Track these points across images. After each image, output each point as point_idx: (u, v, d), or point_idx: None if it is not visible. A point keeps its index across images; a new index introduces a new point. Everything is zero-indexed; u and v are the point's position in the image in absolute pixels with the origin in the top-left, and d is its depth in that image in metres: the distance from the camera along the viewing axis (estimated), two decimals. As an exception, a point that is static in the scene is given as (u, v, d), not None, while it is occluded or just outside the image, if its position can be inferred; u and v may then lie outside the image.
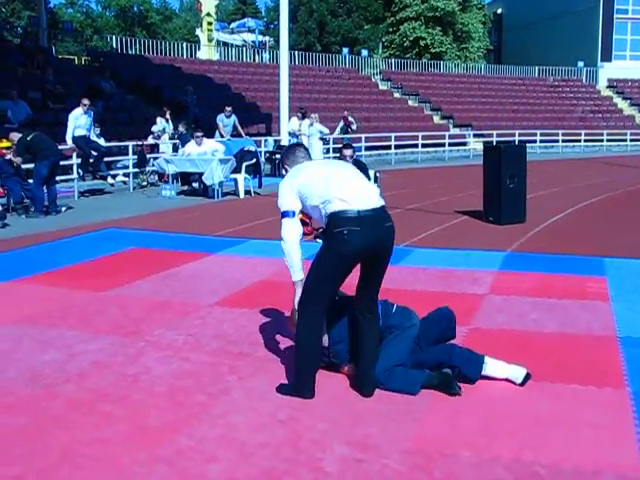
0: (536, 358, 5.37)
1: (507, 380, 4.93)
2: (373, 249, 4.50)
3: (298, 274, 4.68)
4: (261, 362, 5.41)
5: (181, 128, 19.91)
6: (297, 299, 4.68)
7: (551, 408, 4.56)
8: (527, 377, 4.92)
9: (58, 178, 15.13)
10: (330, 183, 4.58)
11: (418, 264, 9.02)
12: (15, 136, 13.97)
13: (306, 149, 5.14)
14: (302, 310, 4.64)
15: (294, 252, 4.63)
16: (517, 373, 4.93)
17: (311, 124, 21.60)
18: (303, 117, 22.26)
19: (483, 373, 4.93)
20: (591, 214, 13.73)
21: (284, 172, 5.05)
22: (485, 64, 50.56)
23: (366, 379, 4.79)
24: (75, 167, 16.70)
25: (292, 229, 4.64)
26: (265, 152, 22.73)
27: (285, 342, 5.78)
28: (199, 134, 17.43)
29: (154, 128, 21.01)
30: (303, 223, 10.80)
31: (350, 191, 4.52)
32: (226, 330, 6.20)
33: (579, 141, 37.60)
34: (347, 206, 4.45)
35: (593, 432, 4.21)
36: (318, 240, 4.35)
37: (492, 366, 4.96)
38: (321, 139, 22.05)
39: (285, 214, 4.67)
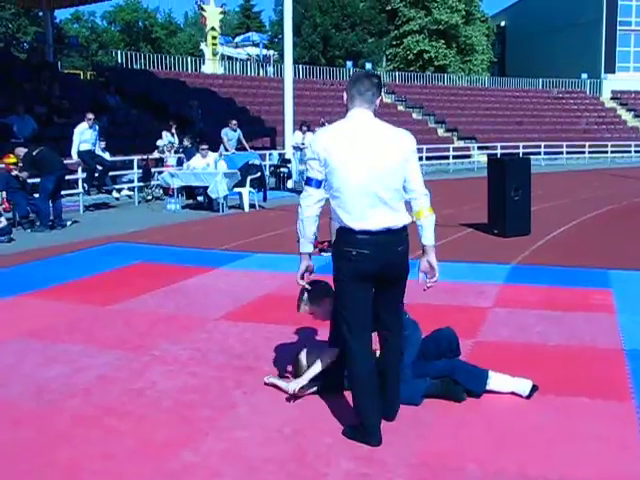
0: (541, 371, 5.35)
1: (513, 393, 4.92)
2: (383, 272, 4.22)
3: (306, 247, 4.37)
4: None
5: (186, 142, 19.97)
6: (300, 272, 4.40)
7: (557, 421, 4.54)
8: (533, 389, 4.89)
9: (63, 192, 15.16)
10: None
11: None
12: (21, 151, 14.01)
13: (373, 83, 4.26)
14: (346, 351, 4.32)
15: (308, 224, 4.26)
16: (523, 386, 4.90)
17: None
18: (307, 130, 22.31)
19: (488, 388, 4.90)
20: (596, 226, 13.71)
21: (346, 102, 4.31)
22: (489, 76, 50.76)
23: (393, 403, 4.52)
24: (80, 181, 16.76)
25: (313, 198, 4.22)
26: (270, 166, 22.77)
27: (291, 356, 5.76)
28: (204, 147, 17.50)
29: (159, 142, 21.06)
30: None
31: (366, 206, 4.13)
32: (232, 344, 6.20)
33: (583, 153, 37.56)
34: (358, 225, 4.12)
35: (600, 445, 4.19)
36: (323, 254, 4.18)
37: (497, 380, 4.93)
38: None
39: (308, 181, 4.25)
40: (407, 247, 4.33)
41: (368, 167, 4.10)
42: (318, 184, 4.20)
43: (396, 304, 4.51)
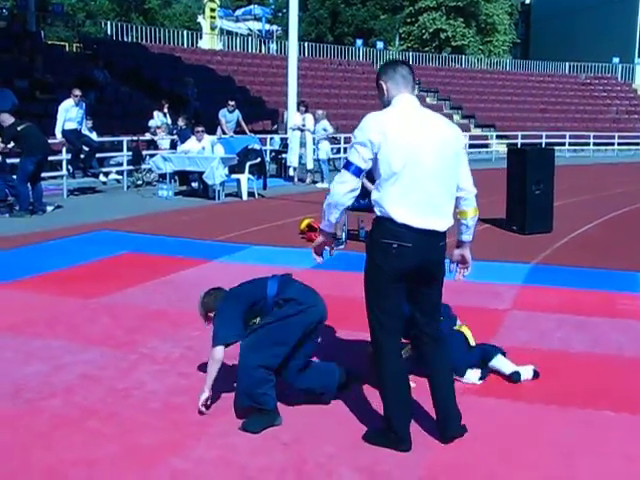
0: (562, 380, 5.36)
1: (510, 380, 5.30)
2: (422, 268, 4.28)
3: (329, 226, 4.41)
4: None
5: (181, 123, 19.87)
6: (317, 243, 4.57)
7: (578, 436, 4.55)
8: (535, 375, 5.42)
9: (46, 175, 15.18)
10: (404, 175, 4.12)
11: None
12: (7, 119, 13.84)
13: (411, 69, 4.45)
14: (377, 351, 4.36)
15: (336, 213, 4.29)
16: (526, 371, 5.39)
17: (317, 121, 21.05)
18: (306, 111, 21.48)
19: (491, 364, 5.45)
20: (624, 224, 13.70)
21: (381, 96, 4.43)
22: (511, 59, 50.62)
23: (448, 419, 4.43)
24: (65, 163, 16.75)
25: (348, 185, 4.17)
26: (271, 151, 22.71)
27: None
28: (200, 129, 17.49)
29: (151, 123, 21.07)
30: (311, 229, 10.86)
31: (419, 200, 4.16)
32: (226, 343, 6.20)
33: (612, 144, 37.51)
34: (405, 218, 4.13)
35: (625, 464, 4.19)
36: (333, 253, 4.14)
37: (501, 360, 5.43)
38: (328, 139, 21.44)
39: (347, 166, 4.19)
40: (446, 243, 4.40)
41: (437, 153, 4.18)
42: (358, 172, 4.16)
43: (435, 305, 4.58)
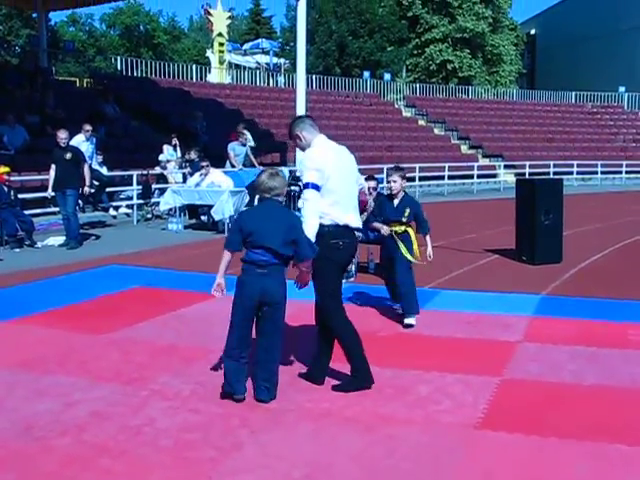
0: (575, 413, 5.31)
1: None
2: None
3: (311, 233, 5.71)
4: (275, 414, 5.39)
5: (193, 155, 19.88)
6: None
7: (593, 471, 4.49)
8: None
9: (55, 209, 15.27)
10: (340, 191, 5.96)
11: (444, 308, 9.00)
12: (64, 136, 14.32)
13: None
14: (330, 311, 5.95)
15: (314, 216, 5.79)
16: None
17: None
18: None
19: None
20: (635, 253, 13.64)
21: (296, 141, 6.12)
22: (517, 89, 50.79)
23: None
24: (75, 198, 16.77)
25: (317, 198, 5.79)
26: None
27: (302, 393, 5.75)
28: (204, 163, 17.50)
29: (161, 157, 21.12)
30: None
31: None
32: (237, 378, 6.16)
33: (620, 173, 37.53)
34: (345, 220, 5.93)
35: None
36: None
37: None
38: None
39: (311, 185, 5.80)
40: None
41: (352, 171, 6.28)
42: (319, 188, 5.85)
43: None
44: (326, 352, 6.12)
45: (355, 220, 6.06)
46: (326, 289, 5.93)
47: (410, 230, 8.30)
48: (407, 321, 7.97)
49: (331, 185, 5.84)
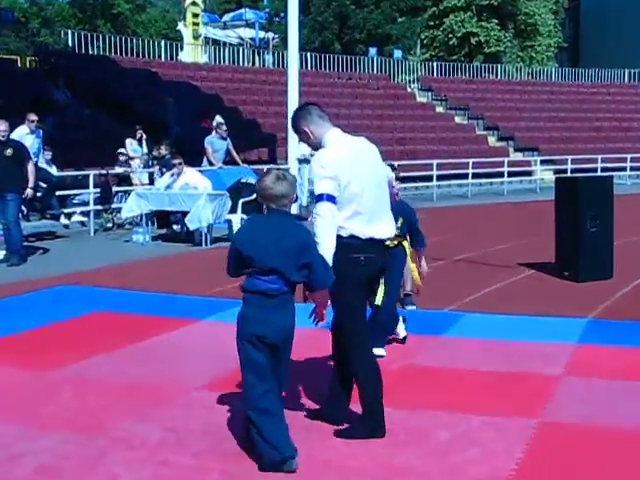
0: (634, 465, 5.30)
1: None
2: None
3: (328, 255, 5.51)
4: (263, 467, 5.38)
5: (163, 151, 19.76)
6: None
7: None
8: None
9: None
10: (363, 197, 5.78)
11: (469, 334, 9.00)
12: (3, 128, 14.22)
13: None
14: (347, 336, 5.89)
15: (331, 235, 5.60)
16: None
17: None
18: None
19: None
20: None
21: (303, 138, 6.06)
22: (556, 67, 50.84)
23: None
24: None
25: (333, 212, 5.60)
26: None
27: (298, 439, 5.74)
28: (177, 161, 17.37)
29: (122, 152, 21.02)
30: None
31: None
32: (218, 423, 6.17)
33: (684, 168, 37.50)
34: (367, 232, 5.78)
35: None
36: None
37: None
38: None
39: (325, 197, 5.63)
40: None
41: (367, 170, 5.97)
42: (335, 200, 5.70)
43: None
44: (345, 386, 6.10)
45: (385, 229, 5.94)
46: (344, 310, 5.82)
47: (405, 244, 8.22)
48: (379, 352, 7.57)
49: (350, 193, 5.69)
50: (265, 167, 23.19)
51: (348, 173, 5.66)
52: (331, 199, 5.59)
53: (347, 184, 5.64)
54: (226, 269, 5.55)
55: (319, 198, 5.60)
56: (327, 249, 5.47)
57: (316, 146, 5.96)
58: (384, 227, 5.93)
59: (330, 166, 5.64)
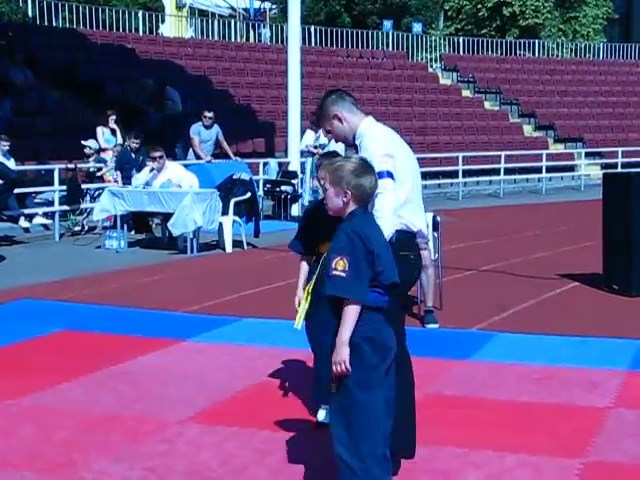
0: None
1: None
2: None
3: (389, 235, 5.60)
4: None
5: (134, 143, 19.75)
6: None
7: None
8: None
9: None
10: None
11: (502, 358, 9.00)
12: None
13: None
14: None
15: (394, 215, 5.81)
16: None
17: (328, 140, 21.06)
18: (319, 126, 21.59)
19: None
20: None
21: (333, 126, 6.17)
22: (605, 43, 50.75)
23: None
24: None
25: (395, 189, 5.84)
26: (265, 182, 22.68)
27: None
28: (157, 154, 17.22)
29: (91, 143, 20.95)
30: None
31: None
32: (205, 462, 6.18)
33: None
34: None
35: None
36: None
37: None
38: None
39: (386, 174, 5.76)
40: None
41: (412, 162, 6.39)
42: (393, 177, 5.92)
43: None
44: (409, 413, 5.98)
45: (424, 224, 6.29)
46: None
47: None
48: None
49: (402, 177, 5.95)
50: (261, 160, 23.27)
51: (400, 158, 5.99)
52: (391, 176, 5.83)
53: (400, 167, 5.94)
54: (353, 290, 4.69)
55: (381, 175, 5.63)
56: (389, 226, 5.64)
57: (344, 136, 6.16)
58: (424, 221, 6.30)
59: (385, 144, 5.94)
